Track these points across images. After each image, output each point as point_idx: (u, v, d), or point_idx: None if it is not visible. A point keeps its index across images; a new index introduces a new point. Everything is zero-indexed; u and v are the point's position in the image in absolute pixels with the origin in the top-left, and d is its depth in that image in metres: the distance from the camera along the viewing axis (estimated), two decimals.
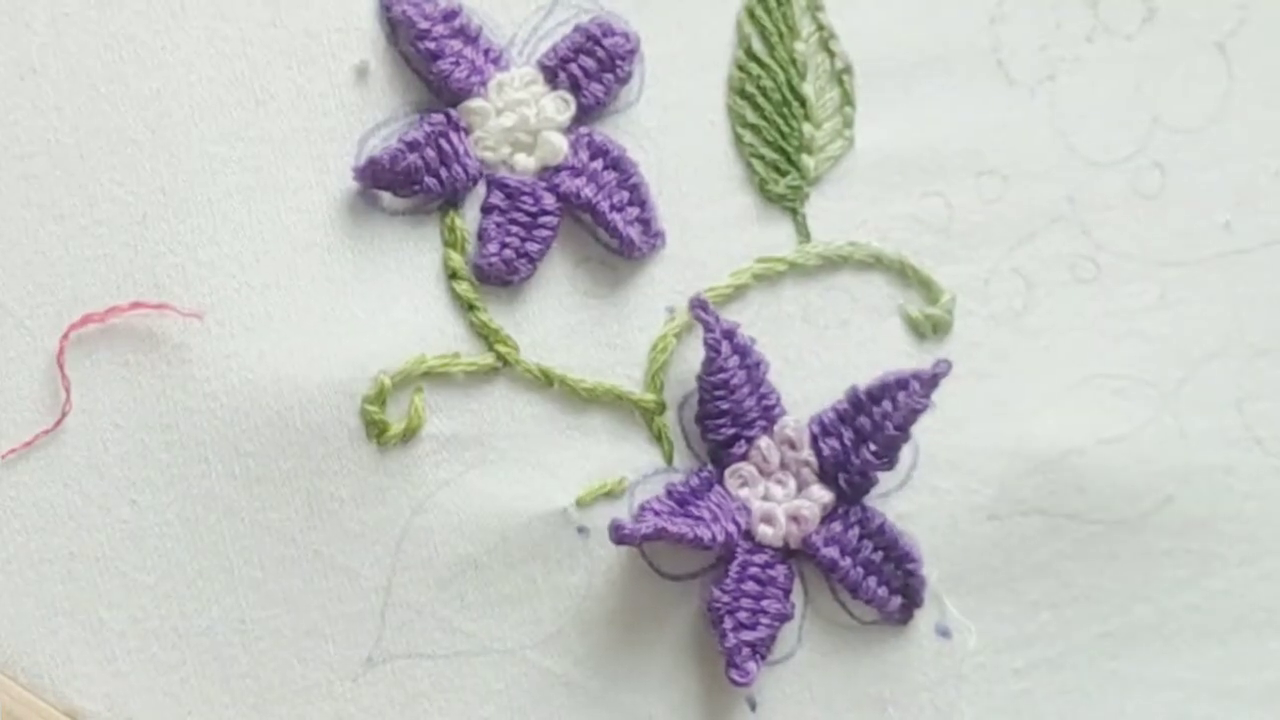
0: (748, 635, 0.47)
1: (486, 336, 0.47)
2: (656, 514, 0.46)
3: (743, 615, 0.47)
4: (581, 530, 0.47)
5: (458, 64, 0.47)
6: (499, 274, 0.47)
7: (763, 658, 0.47)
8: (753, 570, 0.47)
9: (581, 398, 0.47)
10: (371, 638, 0.46)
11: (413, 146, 0.46)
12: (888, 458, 0.48)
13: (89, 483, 0.45)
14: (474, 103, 0.47)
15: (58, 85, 0.46)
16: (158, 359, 0.45)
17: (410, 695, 0.46)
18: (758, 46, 0.49)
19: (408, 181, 0.46)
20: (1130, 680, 0.49)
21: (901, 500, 0.49)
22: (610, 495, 0.47)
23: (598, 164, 0.48)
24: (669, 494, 0.47)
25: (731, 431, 0.47)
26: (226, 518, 0.45)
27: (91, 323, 0.45)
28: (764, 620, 0.47)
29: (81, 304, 0.45)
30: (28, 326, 0.45)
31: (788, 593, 0.47)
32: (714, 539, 0.46)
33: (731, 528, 0.47)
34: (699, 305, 0.47)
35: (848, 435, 0.48)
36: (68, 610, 0.45)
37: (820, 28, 0.50)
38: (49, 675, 0.44)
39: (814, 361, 0.48)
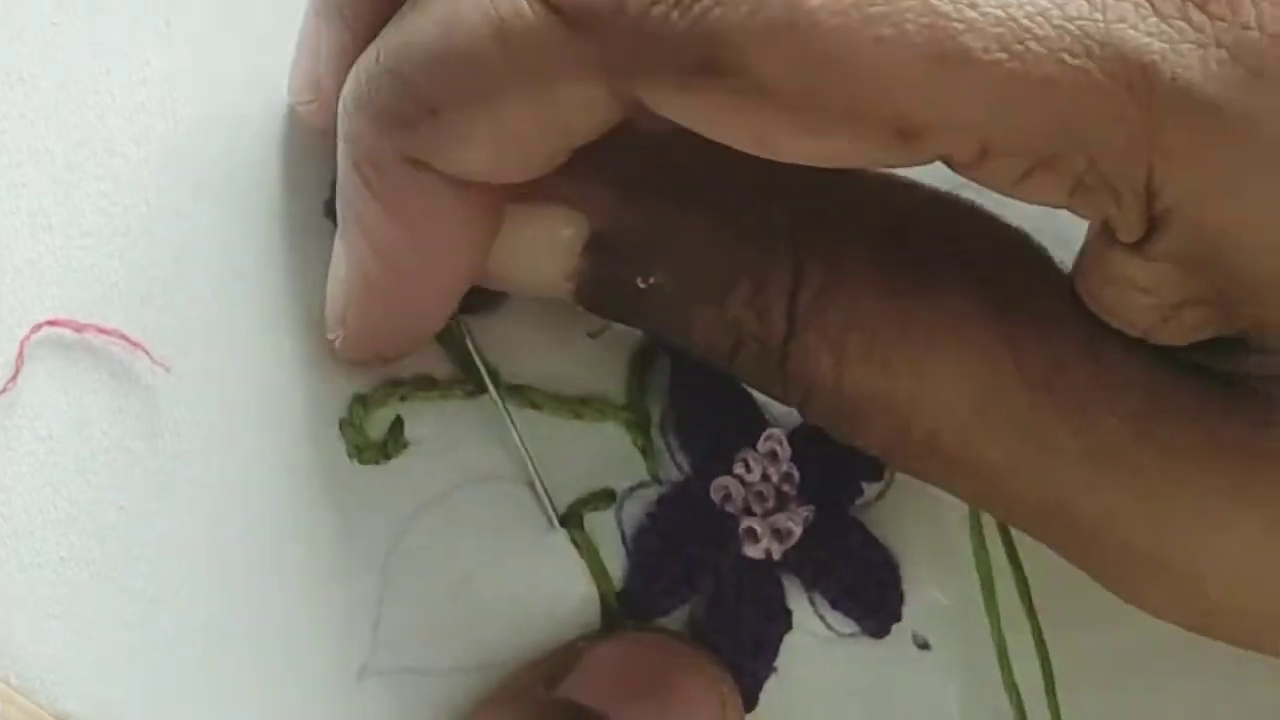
0: (754, 664, 0.47)
1: (466, 357, 0.47)
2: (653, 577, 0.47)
3: (748, 646, 0.47)
4: (572, 544, 0.47)
5: None
6: (479, 292, 0.47)
7: (763, 681, 0.47)
8: (745, 591, 0.47)
9: (565, 414, 0.47)
10: (364, 650, 0.46)
11: None
12: (876, 466, 0.48)
13: (77, 488, 0.45)
14: None
15: (46, 95, 0.46)
16: (143, 369, 0.45)
17: (403, 711, 0.46)
18: None
19: None
20: (1121, 694, 0.49)
21: (878, 513, 0.49)
22: (597, 509, 0.47)
23: None
24: (660, 502, 0.47)
25: (714, 444, 0.47)
26: (213, 524, 0.45)
27: (65, 327, 0.45)
28: (768, 642, 0.47)
29: (67, 314, 0.45)
30: (15, 335, 0.45)
31: (783, 604, 0.47)
32: (709, 581, 0.47)
33: (717, 545, 0.47)
34: None
35: (829, 446, 0.48)
36: (58, 614, 0.45)
37: None
38: (40, 679, 0.45)
39: None
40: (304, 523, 0.46)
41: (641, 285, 0.39)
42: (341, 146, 0.40)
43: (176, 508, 0.45)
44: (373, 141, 0.38)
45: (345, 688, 0.46)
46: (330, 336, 0.43)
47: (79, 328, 0.45)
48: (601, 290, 0.40)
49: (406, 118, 0.37)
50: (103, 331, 0.45)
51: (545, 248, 0.40)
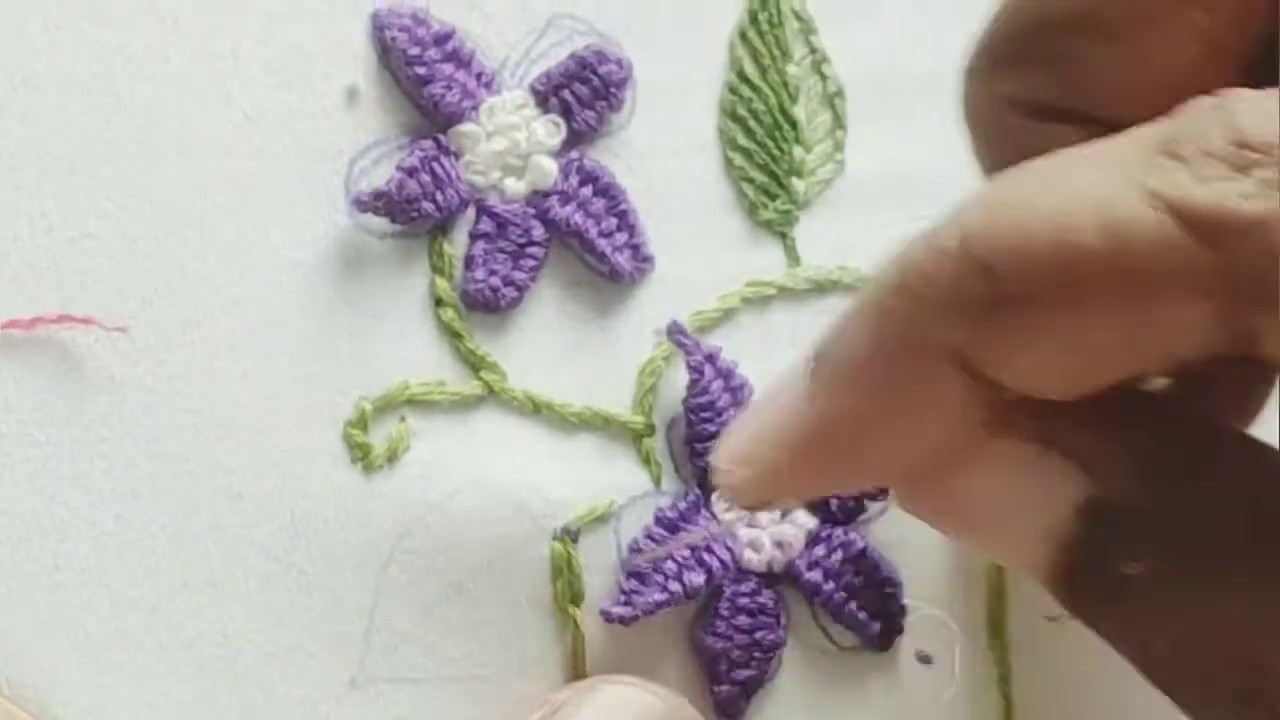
0: (741, 674, 0.47)
1: (473, 364, 0.47)
2: (642, 581, 0.46)
3: (736, 654, 0.47)
4: (570, 553, 0.47)
5: (449, 88, 0.47)
6: (486, 300, 0.47)
7: (752, 693, 0.47)
8: (742, 601, 0.47)
9: (569, 423, 0.47)
10: (355, 660, 0.46)
11: (411, 173, 0.46)
12: None
13: (73, 494, 0.45)
14: (465, 127, 0.47)
15: (49, 97, 0.46)
16: (143, 373, 0.45)
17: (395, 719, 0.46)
18: (750, 69, 0.49)
19: (407, 208, 0.46)
20: (1120, 712, 0.49)
21: (883, 528, 0.49)
22: (599, 519, 0.47)
23: (587, 190, 0.47)
24: (658, 521, 0.47)
25: None
26: (210, 532, 0.45)
27: (16, 328, 0.45)
28: (758, 654, 0.47)
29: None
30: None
31: (778, 618, 0.47)
32: (701, 586, 0.46)
33: (724, 555, 0.47)
34: (677, 330, 0.47)
35: None
36: (52, 622, 0.44)
37: (813, 50, 0.49)
38: (33, 687, 0.44)
39: None
40: (302, 530, 0.46)
41: (1129, 571, 0.33)
42: (864, 318, 0.35)
43: (173, 514, 0.45)
44: (919, 327, 0.34)
45: (337, 696, 0.46)
46: (725, 468, 0.39)
47: (30, 325, 0.45)
48: (1083, 564, 0.34)
49: (977, 309, 0.33)
50: (49, 322, 0.45)
51: (1033, 500, 0.34)
